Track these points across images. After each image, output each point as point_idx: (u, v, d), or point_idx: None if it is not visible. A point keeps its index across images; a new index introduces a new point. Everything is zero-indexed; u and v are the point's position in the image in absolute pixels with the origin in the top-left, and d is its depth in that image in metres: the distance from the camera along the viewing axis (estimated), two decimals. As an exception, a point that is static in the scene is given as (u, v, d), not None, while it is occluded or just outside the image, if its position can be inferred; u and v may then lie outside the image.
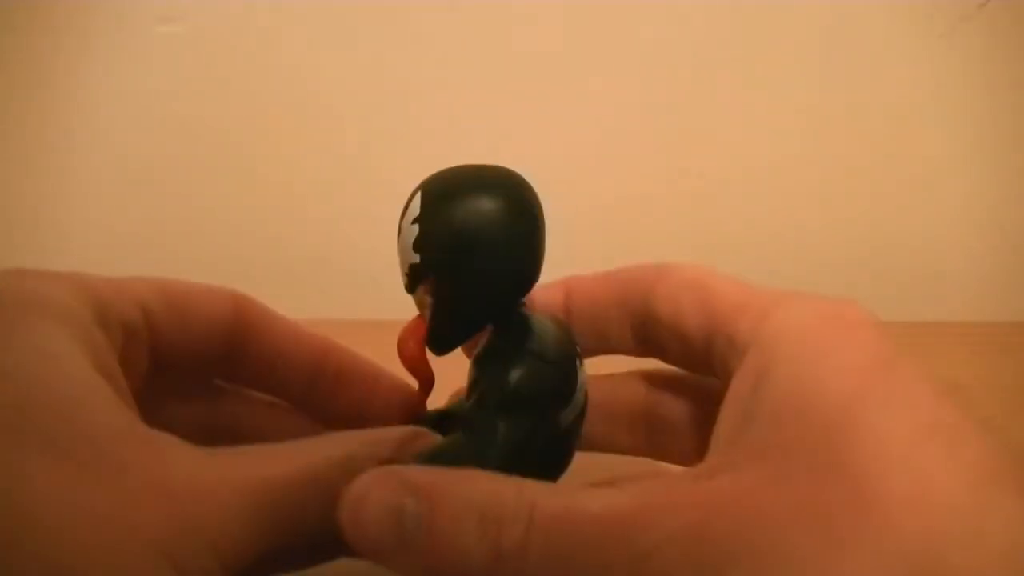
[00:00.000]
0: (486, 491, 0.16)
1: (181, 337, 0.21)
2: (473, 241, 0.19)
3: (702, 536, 0.15)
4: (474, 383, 0.20)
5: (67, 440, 0.15)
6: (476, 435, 0.19)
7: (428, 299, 0.20)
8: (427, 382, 0.21)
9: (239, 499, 0.16)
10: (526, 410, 0.19)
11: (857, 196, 0.45)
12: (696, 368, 0.22)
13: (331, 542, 0.17)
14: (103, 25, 0.43)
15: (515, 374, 0.19)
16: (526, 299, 0.21)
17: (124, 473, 0.15)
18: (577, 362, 0.20)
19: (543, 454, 0.19)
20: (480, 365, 0.20)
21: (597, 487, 0.16)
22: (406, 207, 0.20)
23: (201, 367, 0.22)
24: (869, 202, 0.45)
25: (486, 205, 0.19)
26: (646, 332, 0.22)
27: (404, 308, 0.22)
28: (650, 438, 0.23)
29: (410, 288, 0.20)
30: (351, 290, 0.45)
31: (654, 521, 0.15)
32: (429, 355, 0.21)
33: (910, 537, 0.14)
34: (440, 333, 0.20)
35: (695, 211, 0.45)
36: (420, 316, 0.20)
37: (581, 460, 0.21)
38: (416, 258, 0.19)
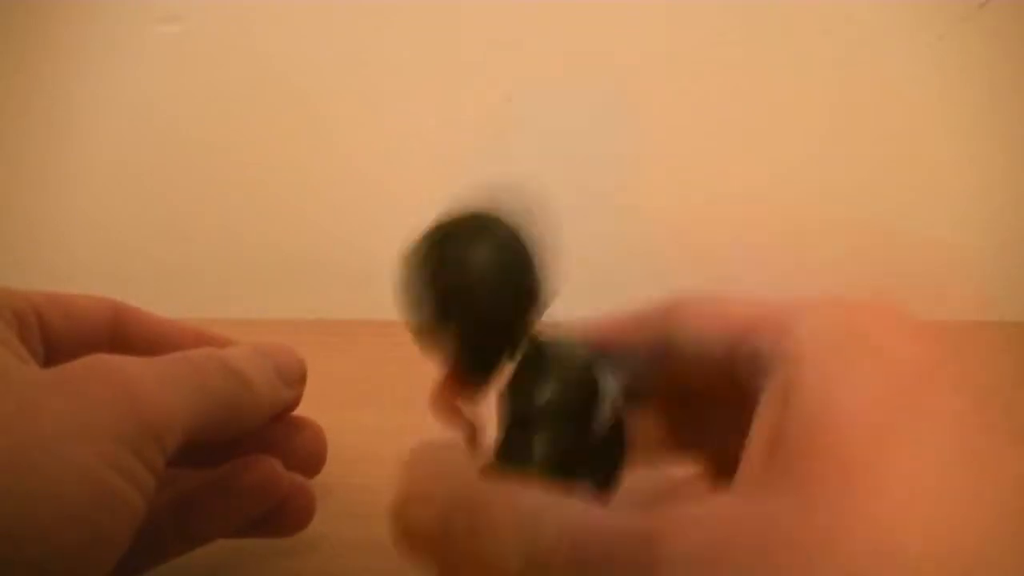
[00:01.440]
0: (526, 506, 0.17)
1: (67, 331, 0.24)
2: (487, 270, 0.21)
3: (719, 554, 0.15)
4: (503, 414, 0.21)
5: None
6: (513, 456, 0.20)
7: (452, 344, 0.21)
8: (470, 429, 0.22)
9: (174, 389, 0.21)
10: (556, 423, 0.20)
11: (856, 196, 0.45)
12: (721, 393, 0.21)
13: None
14: (102, 25, 0.43)
15: (542, 392, 0.20)
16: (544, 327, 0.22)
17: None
18: (604, 373, 0.21)
19: (587, 461, 0.20)
20: (507, 393, 0.21)
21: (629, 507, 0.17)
22: (409, 272, 0.21)
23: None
24: (869, 202, 0.45)
25: (486, 243, 0.21)
26: (669, 366, 0.22)
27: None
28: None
29: (433, 339, 0.21)
30: (350, 290, 0.45)
31: (673, 534, 0.16)
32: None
33: None
34: (469, 368, 0.21)
35: (691, 215, 0.45)
36: (443, 374, 0.22)
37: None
38: (436, 307, 0.21)
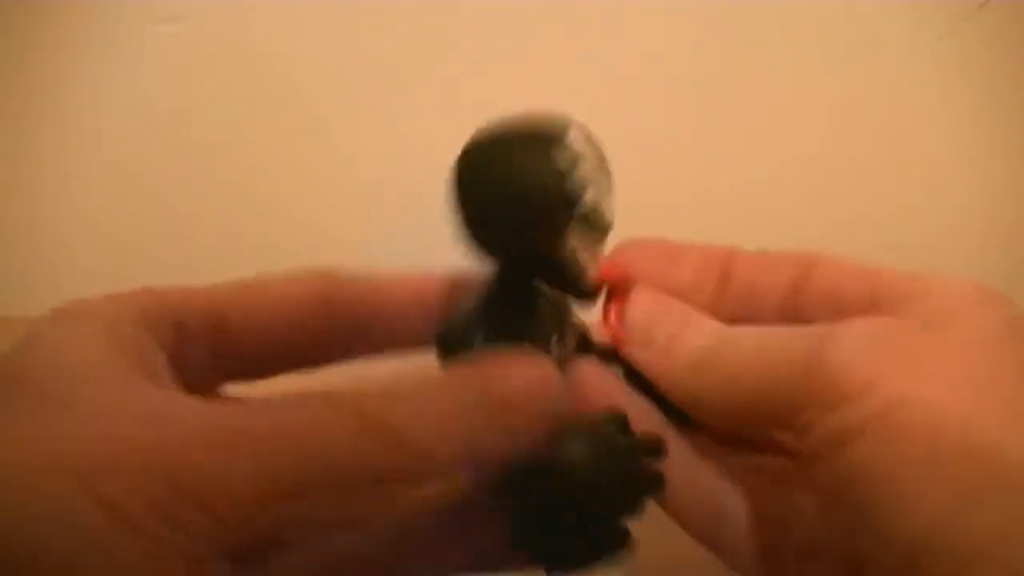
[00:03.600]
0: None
1: (254, 328, 0.22)
2: None
3: (883, 336, 0.19)
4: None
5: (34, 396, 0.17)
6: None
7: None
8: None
9: (235, 441, 0.16)
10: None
11: (857, 196, 0.45)
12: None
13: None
14: (102, 25, 0.43)
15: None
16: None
17: (74, 410, 0.16)
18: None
19: None
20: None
21: None
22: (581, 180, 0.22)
23: (294, 351, 0.24)
24: (869, 202, 0.45)
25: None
26: (794, 305, 0.23)
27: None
28: None
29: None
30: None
31: (842, 329, 0.19)
32: None
33: None
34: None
35: (692, 214, 0.45)
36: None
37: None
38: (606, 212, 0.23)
